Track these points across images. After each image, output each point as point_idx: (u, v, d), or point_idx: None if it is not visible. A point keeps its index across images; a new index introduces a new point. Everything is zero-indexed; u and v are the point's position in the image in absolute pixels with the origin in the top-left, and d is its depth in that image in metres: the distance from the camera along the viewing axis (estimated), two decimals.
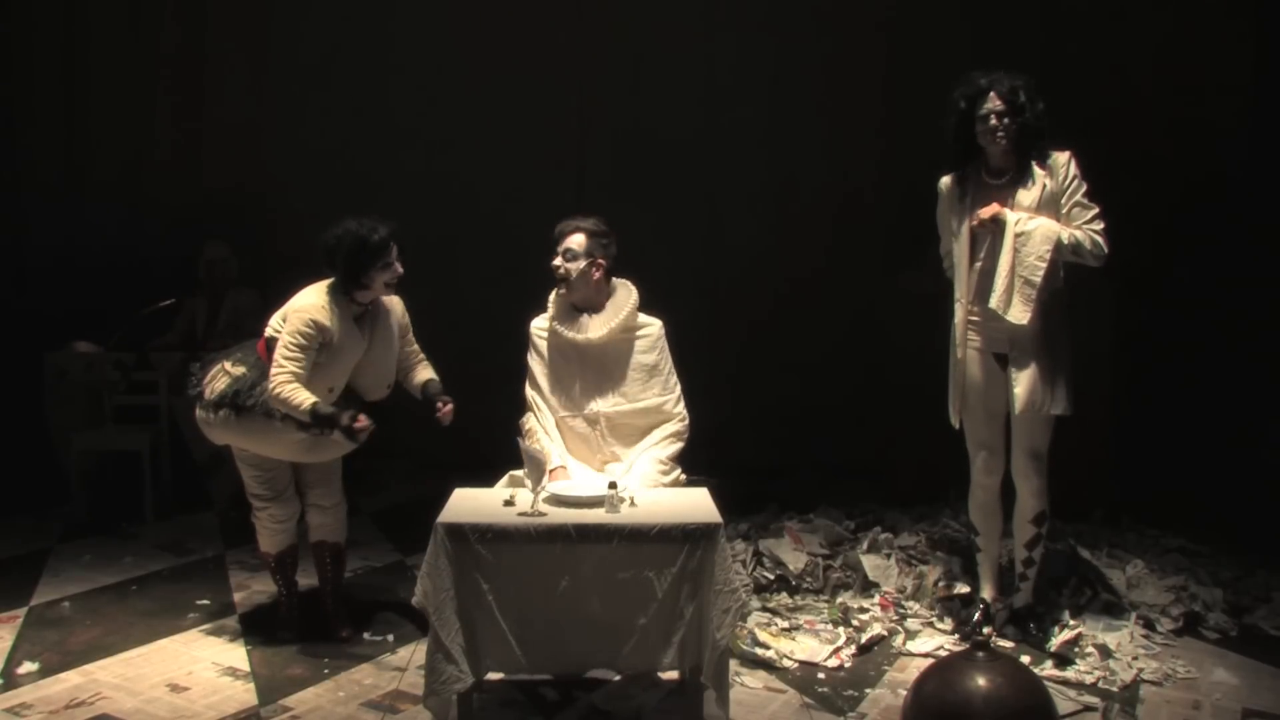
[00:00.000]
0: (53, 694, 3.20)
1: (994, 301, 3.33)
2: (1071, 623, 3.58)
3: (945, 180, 3.57)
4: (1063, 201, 3.36)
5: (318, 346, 3.29)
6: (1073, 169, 3.38)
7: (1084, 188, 3.38)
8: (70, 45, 6.28)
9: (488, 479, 3.30)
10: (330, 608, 3.71)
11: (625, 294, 3.49)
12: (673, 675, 3.15)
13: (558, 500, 3.00)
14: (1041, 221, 3.32)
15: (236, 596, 4.13)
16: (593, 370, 3.43)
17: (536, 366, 3.46)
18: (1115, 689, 3.24)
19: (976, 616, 3.63)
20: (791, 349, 6.11)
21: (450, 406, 3.49)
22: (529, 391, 3.46)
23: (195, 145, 6.21)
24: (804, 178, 6.12)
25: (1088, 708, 3.11)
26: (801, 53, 6.09)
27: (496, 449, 3.66)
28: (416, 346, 3.70)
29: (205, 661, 3.47)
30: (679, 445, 3.42)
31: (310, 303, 3.34)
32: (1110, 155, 5.63)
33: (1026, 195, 3.39)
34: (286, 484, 3.59)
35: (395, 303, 3.59)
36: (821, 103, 6.08)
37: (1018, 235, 3.31)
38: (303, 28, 6.26)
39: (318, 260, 3.38)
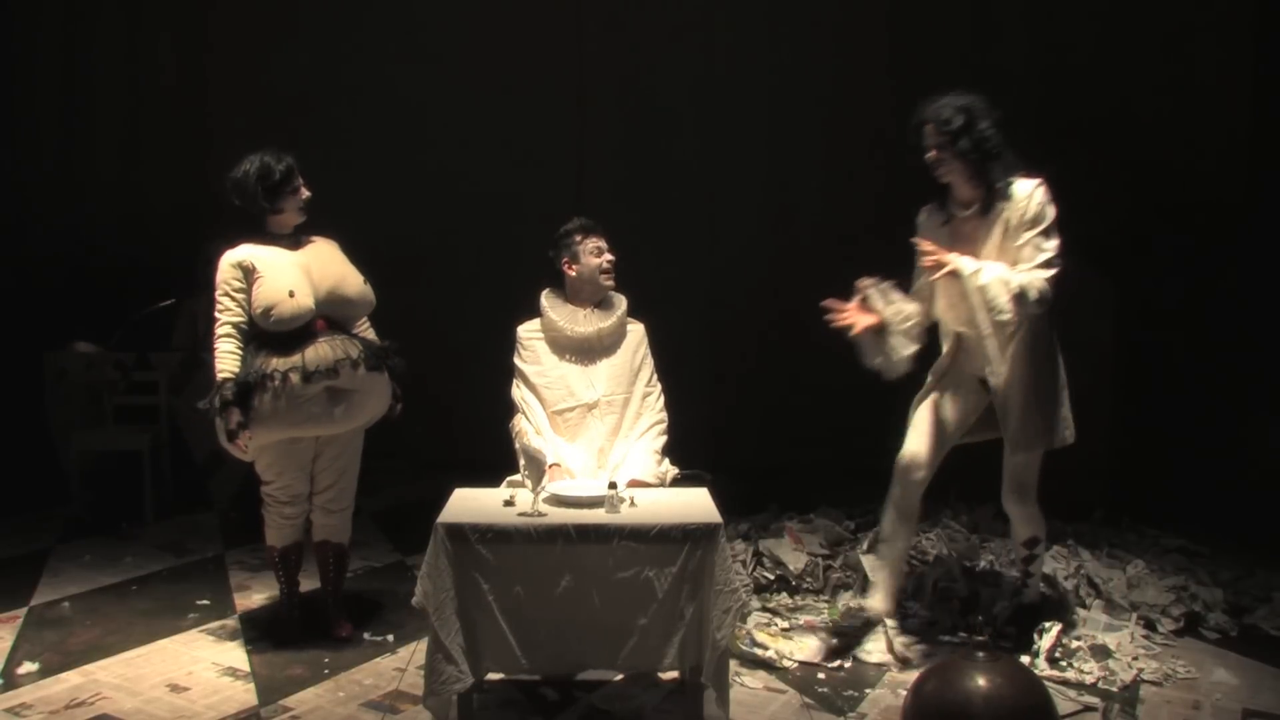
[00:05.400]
0: (53, 694, 3.20)
1: (993, 373, 3.25)
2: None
3: (922, 212, 3.43)
4: (1021, 235, 3.16)
5: (242, 283, 3.39)
6: (1036, 200, 3.15)
7: (1045, 222, 3.15)
8: (70, 45, 6.29)
9: (488, 479, 3.30)
10: (330, 608, 3.71)
11: (617, 296, 3.59)
12: (673, 675, 3.16)
13: (558, 500, 3.00)
14: (993, 273, 3.13)
15: (236, 596, 4.13)
16: (593, 361, 3.49)
17: (528, 368, 3.49)
18: (1115, 689, 3.24)
19: (871, 636, 3.46)
20: (791, 347, 6.11)
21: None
22: (517, 393, 3.49)
23: (195, 144, 6.22)
24: (805, 177, 6.12)
25: (1088, 708, 3.11)
26: (802, 52, 6.10)
27: (496, 449, 3.67)
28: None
29: (205, 661, 3.47)
30: (665, 438, 3.49)
31: (221, 258, 3.46)
32: (1112, 159, 5.69)
33: (991, 228, 3.21)
34: (303, 487, 3.60)
35: (328, 240, 3.64)
36: (823, 102, 6.09)
37: (978, 289, 3.14)
38: (302, 27, 6.28)
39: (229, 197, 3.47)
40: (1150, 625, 3.74)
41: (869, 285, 3.32)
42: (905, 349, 3.31)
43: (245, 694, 3.21)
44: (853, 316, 3.30)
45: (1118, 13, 5.73)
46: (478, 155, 6.22)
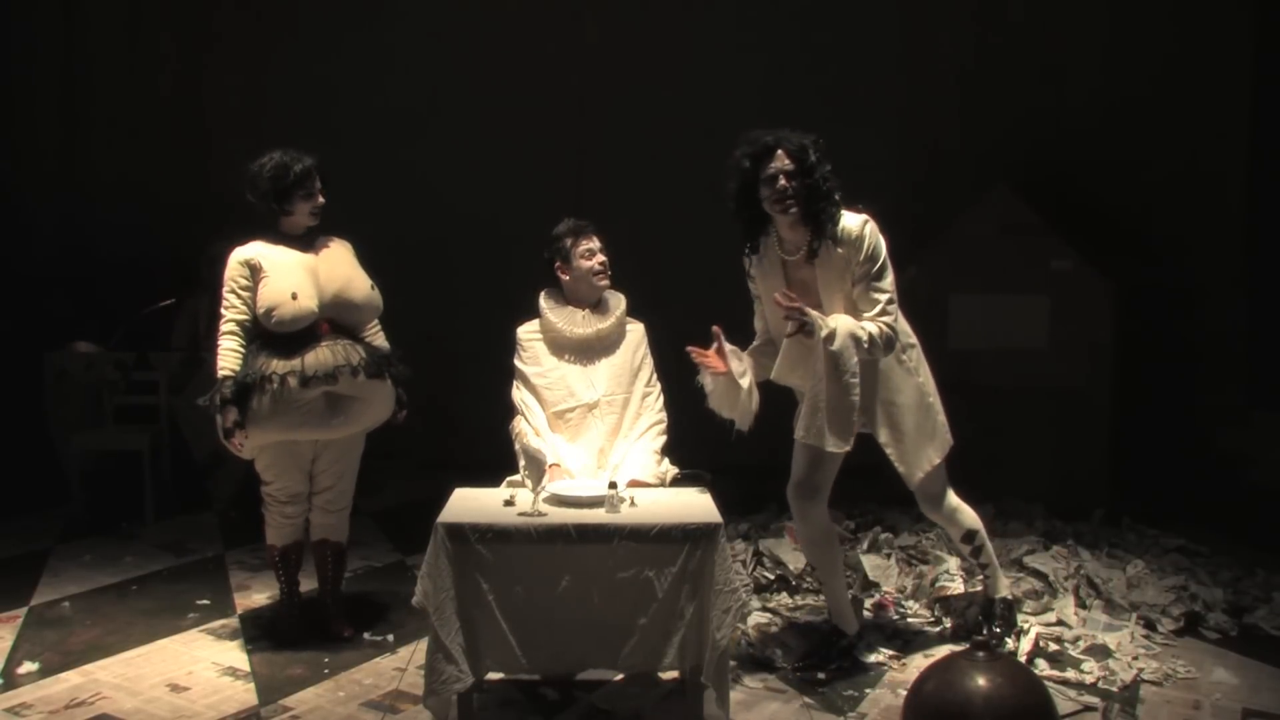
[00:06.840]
0: (53, 694, 3.20)
1: (811, 439, 3.04)
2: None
3: (748, 258, 3.34)
4: (857, 277, 3.07)
5: (248, 281, 3.38)
6: (868, 239, 3.04)
7: (879, 261, 3.06)
8: (70, 44, 6.30)
9: (488, 479, 3.30)
10: (330, 607, 3.72)
11: (616, 296, 3.58)
12: (673, 675, 3.16)
13: (558, 500, 3.00)
14: (844, 332, 3.00)
15: (236, 596, 4.13)
16: (592, 361, 3.49)
17: (528, 369, 3.48)
18: (1115, 689, 3.24)
19: (828, 664, 3.36)
20: None
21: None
22: (517, 395, 3.49)
23: (195, 144, 6.22)
24: None
25: (1088, 708, 3.11)
26: (803, 49, 6.10)
27: (496, 449, 3.66)
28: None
29: (205, 661, 3.47)
30: (665, 438, 3.49)
31: (231, 254, 3.44)
32: (1112, 159, 5.69)
33: (827, 271, 3.09)
34: (302, 487, 3.60)
35: (343, 242, 3.62)
36: (823, 97, 6.08)
37: (831, 354, 2.98)
38: (302, 28, 6.28)
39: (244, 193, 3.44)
40: (1150, 625, 3.74)
41: (722, 334, 3.19)
42: (753, 404, 3.21)
43: (245, 694, 3.21)
44: (714, 361, 3.19)
45: (1114, 13, 5.75)
46: (478, 154, 6.22)
